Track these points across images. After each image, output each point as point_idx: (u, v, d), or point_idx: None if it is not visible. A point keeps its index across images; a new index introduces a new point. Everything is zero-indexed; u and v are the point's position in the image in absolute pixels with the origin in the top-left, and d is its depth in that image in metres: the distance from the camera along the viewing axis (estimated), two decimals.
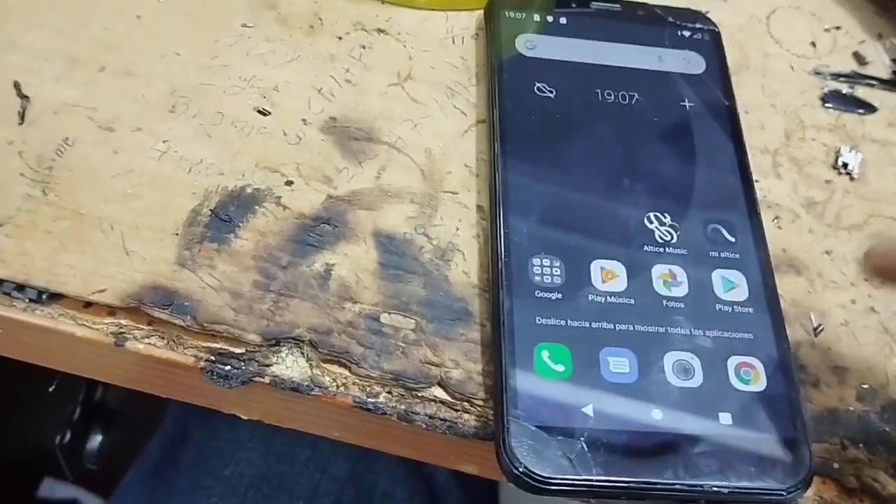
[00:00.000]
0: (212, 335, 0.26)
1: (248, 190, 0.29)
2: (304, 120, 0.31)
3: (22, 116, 0.29)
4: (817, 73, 0.35)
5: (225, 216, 0.28)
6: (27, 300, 0.26)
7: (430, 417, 0.26)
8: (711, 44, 0.33)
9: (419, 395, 0.26)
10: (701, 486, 0.23)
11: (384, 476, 0.45)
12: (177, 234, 0.27)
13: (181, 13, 0.33)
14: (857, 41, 0.37)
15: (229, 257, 0.27)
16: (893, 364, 0.28)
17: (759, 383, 0.25)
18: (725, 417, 0.25)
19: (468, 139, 0.31)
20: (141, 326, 0.26)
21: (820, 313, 0.29)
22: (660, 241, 0.28)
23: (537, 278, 0.26)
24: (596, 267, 0.27)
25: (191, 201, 0.28)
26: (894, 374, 0.28)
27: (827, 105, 0.34)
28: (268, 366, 0.26)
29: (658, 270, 0.27)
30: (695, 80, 0.32)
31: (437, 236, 0.29)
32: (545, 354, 0.25)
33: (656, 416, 0.24)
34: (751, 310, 0.27)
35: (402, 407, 0.26)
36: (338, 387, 0.26)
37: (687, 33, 0.33)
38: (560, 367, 0.25)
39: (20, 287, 0.26)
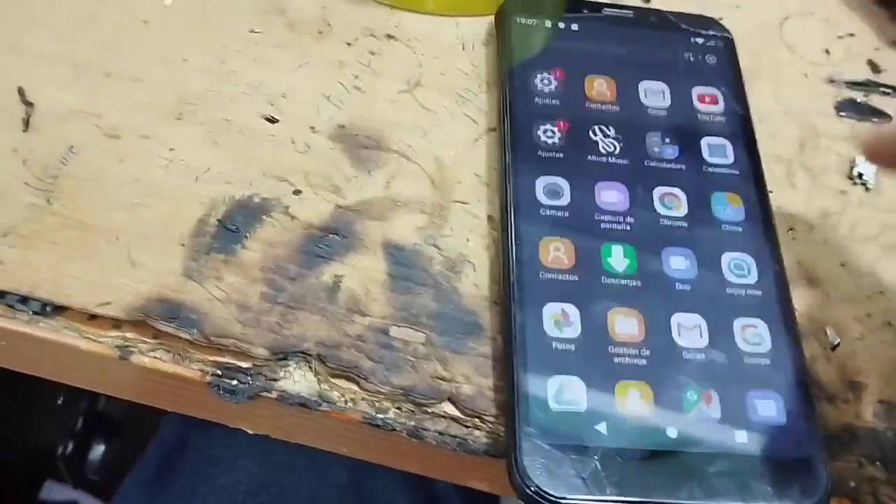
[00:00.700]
0: (218, 349, 0.25)
1: (256, 199, 0.28)
2: (312, 127, 0.30)
3: (26, 123, 0.29)
4: (831, 81, 0.35)
5: (232, 226, 0.27)
6: (31, 312, 0.26)
7: (441, 434, 0.25)
8: (724, 51, 0.33)
9: (429, 410, 0.25)
10: None
11: (383, 483, 0.45)
12: (183, 245, 0.27)
13: (188, 18, 0.32)
14: (872, 48, 0.36)
15: (236, 268, 0.27)
16: None
17: (776, 402, 0.25)
18: (741, 436, 0.24)
19: (479, 147, 0.31)
20: (146, 340, 0.26)
21: (835, 327, 0.29)
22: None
23: None
24: None
25: (197, 211, 0.28)
26: None
27: (841, 114, 0.34)
28: (275, 380, 0.25)
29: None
30: (708, 88, 0.32)
31: (447, 247, 0.28)
32: None
33: (671, 435, 0.24)
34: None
35: (412, 423, 0.25)
36: (346, 402, 0.25)
37: (700, 40, 0.33)
38: None
39: (24, 299, 0.26)
